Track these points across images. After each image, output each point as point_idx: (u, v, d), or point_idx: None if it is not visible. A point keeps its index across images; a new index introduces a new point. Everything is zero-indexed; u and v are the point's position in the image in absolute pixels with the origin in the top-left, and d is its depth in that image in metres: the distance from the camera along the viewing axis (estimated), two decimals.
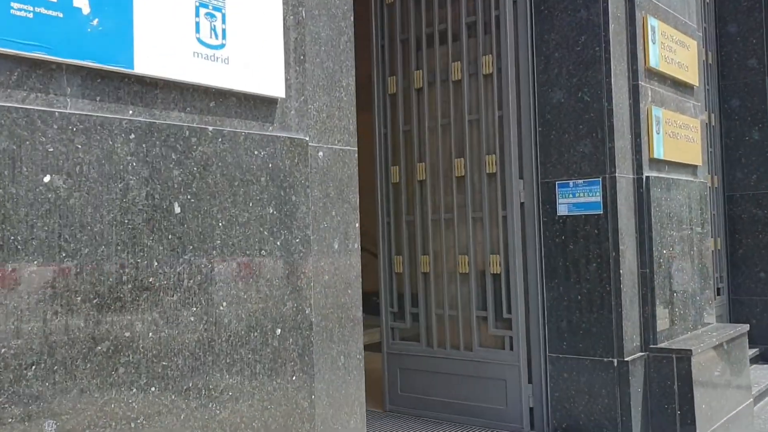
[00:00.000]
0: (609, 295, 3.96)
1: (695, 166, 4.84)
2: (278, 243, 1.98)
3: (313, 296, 2.14)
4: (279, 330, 1.96)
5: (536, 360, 4.20)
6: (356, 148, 2.37)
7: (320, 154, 2.24)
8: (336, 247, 2.26)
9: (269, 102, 2.02)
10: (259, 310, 1.91)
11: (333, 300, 2.23)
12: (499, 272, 4.29)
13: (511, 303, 4.22)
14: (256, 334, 1.90)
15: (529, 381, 4.20)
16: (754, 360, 6.13)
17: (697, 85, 4.86)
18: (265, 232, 1.95)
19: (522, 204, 4.24)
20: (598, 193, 4.00)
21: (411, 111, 4.69)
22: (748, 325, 4.89)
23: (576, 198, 4.06)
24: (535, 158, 4.22)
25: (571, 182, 4.09)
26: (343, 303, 2.27)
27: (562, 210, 4.11)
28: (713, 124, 6.54)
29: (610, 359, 3.94)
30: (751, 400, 4.73)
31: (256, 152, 1.94)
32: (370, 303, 5.32)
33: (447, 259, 4.52)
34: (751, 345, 5.96)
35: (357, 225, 2.35)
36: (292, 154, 2.04)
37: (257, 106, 1.99)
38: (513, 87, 4.24)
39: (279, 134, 2.03)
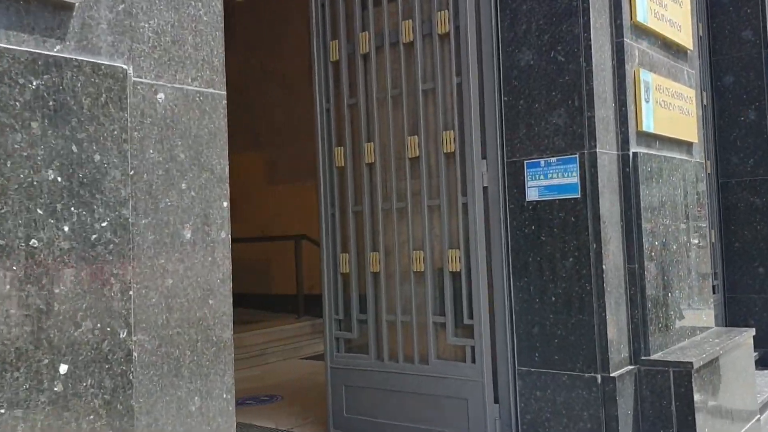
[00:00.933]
0: (590, 295, 3.26)
1: (690, 144, 4.16)
2: (65, 228, 1.26)
3: (144, 311, 1.42)
4: (65, 366, 1.24)
5: (503, 375, 3.49)
6: (224, 92, 1.65)
7: (160, 96, 1.51)
8: (188, 236, 1.53)
9: (58, 6, 1.29)
10: (24, 335, 1.18)
11: (181, 315, 1.51)
12: (458, 270, 3.58)
13: (473, 307, 3.52)
14: (16, 374, 1.17)
15: (495, 401, 3.49)
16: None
17: (691, 49, 4.18)
18: (39, 211, 1.22)
19: (485, 188, 3.53)
20: (574, 173, 3.29)
21: (357, 81, 3.96)
22: (753, 329, 4.21)
23: (548, 180, 3.36)
24: (499, 133, 3.51)
25: (542, 161, 3.38)
26: (200, 319, 1.55)
27: (532, 194, 3.41)
28: (705, 103, 5.87)
29: (593, 374, 3.25)
30: (759, 417, 4.05)
31: (23, 81, 1.21)
32: (318, 306, 4.60)
33: (400, 255, 3.80)
34: None
35: (226, 204, 1.63)
36: (96, 89, 1.31)
37: (35, 10, 1.26)
38: (473, 48, 3.54)
39: (72, 57, 1.30)
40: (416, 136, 3.72)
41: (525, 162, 3.44)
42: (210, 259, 1.56)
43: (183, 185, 1.53)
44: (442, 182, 3.64)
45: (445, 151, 3.62)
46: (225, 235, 1.59)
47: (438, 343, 3.69)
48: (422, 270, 3.69)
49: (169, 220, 1.49)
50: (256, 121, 9.70)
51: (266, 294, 9.32)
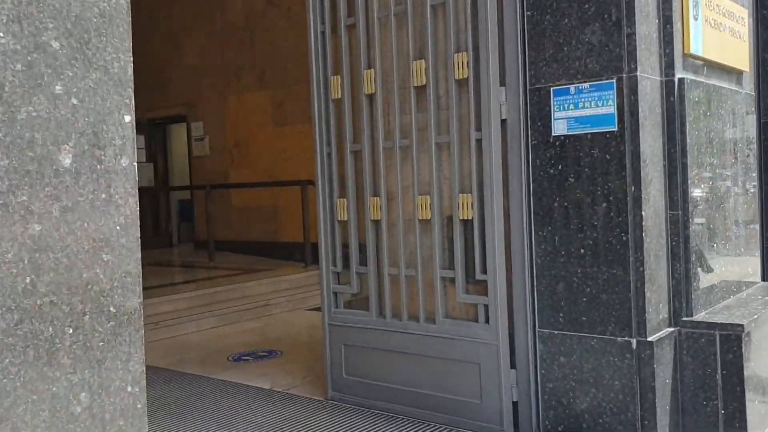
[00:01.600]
0: (625, 247, 2.77)
1: (741, 72, 3.59)
2: None
3: None
4: None
5: (521, 337, 3.04)
6: None
7: None
8: (65, 162, 1.06)
9: None
10: None
11: (56, 277, 1.05)
12: (470, 218, 3.10)
13: (486, 260, 3.04)
14: None
15: (512, 366, 3.05)
16: None
17: None
18: None
19: (503, 121, 3.02)
20: (611, 102, 2.77)
21: None
22: None
23: (580, 110, 2.84)
24: (521, 55, 2.98)
25: (572, 87, 2.85)
26: (88, 282, 1.10)
27: (560, 128, 2.89)
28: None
29: (626, 338, 2.78)
30: None
31: None
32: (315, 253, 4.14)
33: (403, 201, 3.32)
34: None
35: (128, 120, 1.15)
36: None
37: None
38: None
39: None
40: (423, 61, 3.19)
41: (551, 89, 2.90)
42: (103, 196, 1.10)
43: (57, 88, 1.05)
44: (452, 115, 3.12)
45: (456, 77, 3.09)
46: (128, 162, 1.12)
47: (447, 301, 3.24)
48: (429, 217, 3.21)
49: (35, 139, 1.02)
50: (260, 58, 9.15)
51: (274, 242, 8.93)
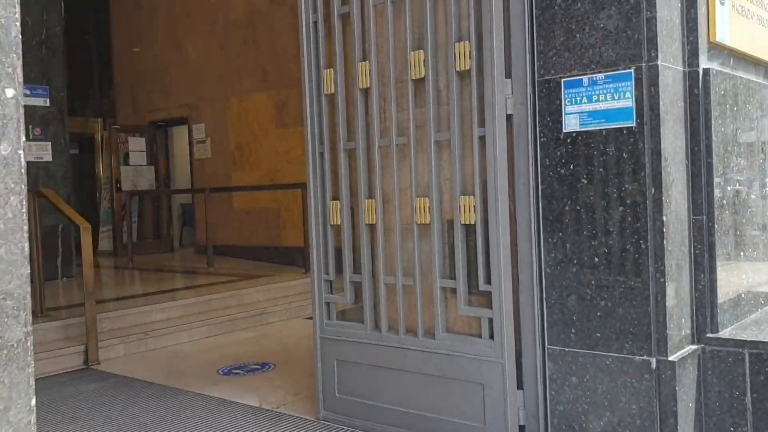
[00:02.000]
0: (645, 255, 2.49)
1: None
2: None
3: None
4: None
5: (529, 355, 2.76)
6: None
7: None
8: None
9: None
10: None
11: None
12: (473, 222, 2.82)
13: (491, 269, 2.76)
14: None
15: (519, 386, 2.77)
16: None
17: None
18: None
19: (509, 117, 2.74)
20: (628, 94, 2.49)
21: None
22: None
23: (593, 103, 2.56)
24: (529, 43, 2.70)
25: (585, 78, 2.58)
26: None
27: (571, 123, 2.62)
28: None
29: (645, 357, 2.50)
30: None
31: None
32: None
33: (401, 203, 3.05)
34: None
35: (11, 93, 0.88)
36: None
37: None
38: None
39: None
40: (422, 51, 2.92)
41: (562, 80, 2.63)
42: None
43: None
44: (453, 110, 2.85)
45: (458, 68, 2.82)
46: (10, 150, 0.86)
47: (447, 313, 2.96)
48: (428, 222, 2.94)
49: None
50: (262, 58, 8.91)
51: (276, 246, 8.67)
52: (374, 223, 3.13)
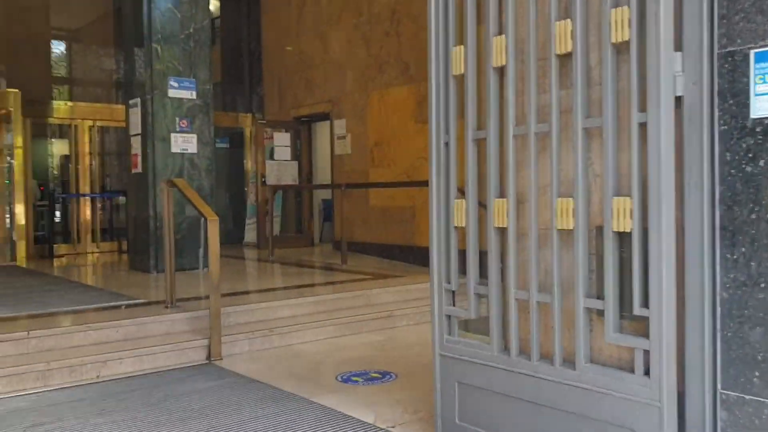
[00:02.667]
0: None
1: None
2: None
3: None
4: None
5: (695, 400, 2.18)
6: None
7: None
8: None
9: None
10: None
11: None
12: (629, 230, 2.28)
13: (649, 289, 2.22)
14: None
15: None
16: None
17: None
18: None
19: (678, 99, 2.18)
20: None
21: None
22: None
23: None
24: (708, 5, 2.13)
25: None
26: None
27: (763, 107, 2.02)
28: None
29: None
30: None
31: None
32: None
33: (538, 204, 2.57)
34: None
35: None
36: None
37: None
38: None
39: None
40: (569, 21, 2.43)
41: (752, 52, 2.04)
42: None
43: None
44: (607, 92, 2.33)
45: (614, 41, 2.30)
46: None
47: (592, 340, 2.44)
48: (571, 227, 2.44)
49: None
50: (405, 51, 8.61)
51: (410, 246, 8.36)
52: (505, 226, 2.67)
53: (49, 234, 10.36)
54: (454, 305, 2.94)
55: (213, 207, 8.01)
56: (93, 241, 10.73)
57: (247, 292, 6.10)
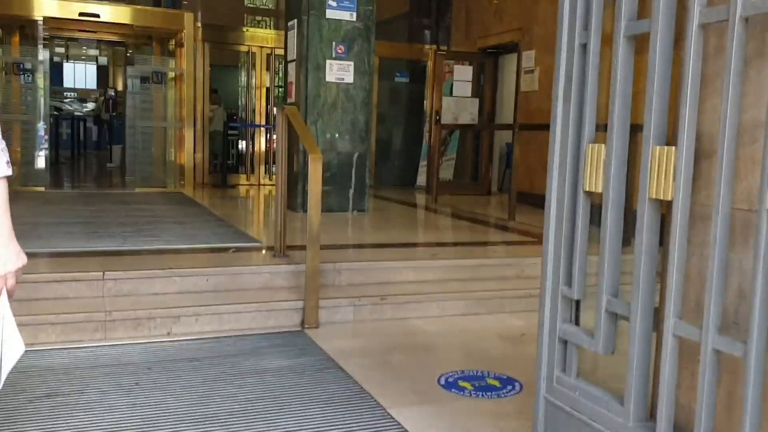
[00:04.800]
0: None
1: None
2: None
3: None
4: None
5: None
6: None
7: None
8: None
9: None
10: None
11: None
12: None
13: None
14: None
15: None
16: None
17: None
18: None
19: None
20: None
21: None
22: None
23: None
24: None
25: None
26: None
27: None
28: None
29: None
30: None
31: None
32: None
33: (738, 162, 1.30)
34: None
35: None
36: None
37: None
38: None
39: None
40: None
41: None
42: None
43: None
44: None
45: None
46: None
47: None
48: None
49: None
50: None
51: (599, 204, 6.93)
52: (669, 199, 1.43)
53: (223, 163, 10.26)
54: (576, 323, 1.76)
55: (369, 142, 7.23)
56: (266, 173, 10.49)
57: (371, 246, 5.20)
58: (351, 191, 7.03)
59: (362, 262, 4.46)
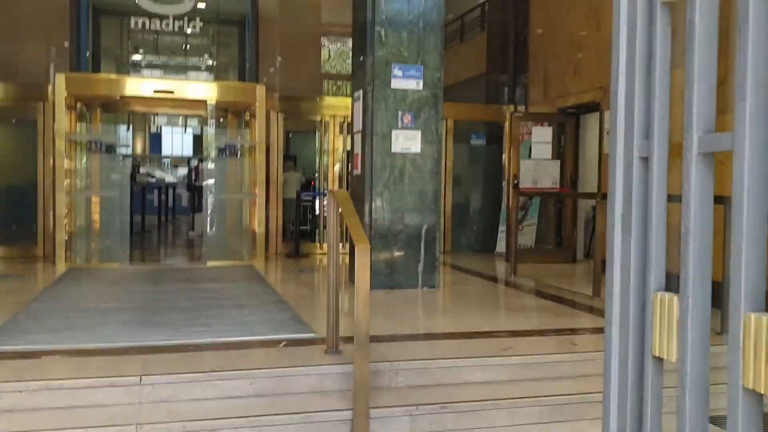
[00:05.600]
0: None
1: None
2: None
3: None
4: None
5: None
6: None
7: None
8: None
9: None
10: None
11: None
12: None
13: None
14: None
15: None
16: None
17: None
18: None
19: None
20: None
21: None
22: None
23: None
24: None
25: None
26: None
27: None
28: None
29: None
30: None
31: None
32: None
33: None
34: None
35: None
36: None
37: None
38: None
39: None
40: None
41: None
42: None
43: None
44: None
45: None
46: None
47: None
48: None
49: None
50: None
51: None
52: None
53: (296, 232, 10.10)
54: None
55: (438, 213, 6.84)
56: (340, 240, 10.23)
57: (434, 336, 4.75)
58: (420, 266, 6.64)
59: (422, 360, 4.02)
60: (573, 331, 4.92)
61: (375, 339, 4.34)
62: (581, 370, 4.11)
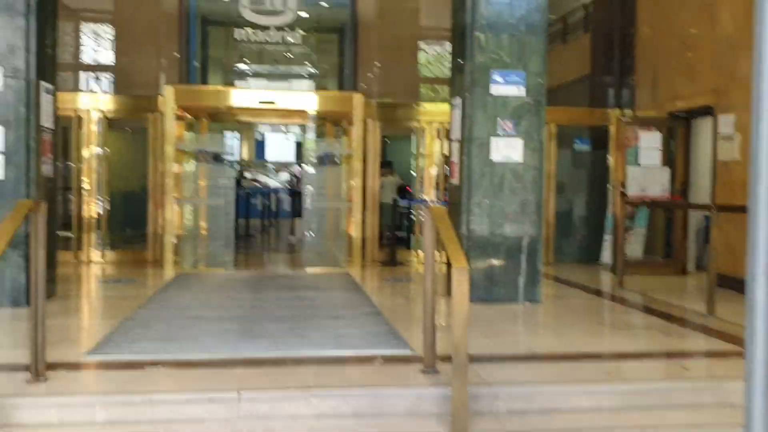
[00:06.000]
0: None
1: None
2: None
3: None
4: None
5: None
6: None
7: None
8: None
9: None
10: None
11: None
12: None
13: None
14: None
15: None
16: None
17: None
18: None
19: None
20: None
21: None
22: None
23: None
24: None
25: None
26: None
27: None
28: None
29: None
30: None
31: None
32: None
33: None
34: None
35: None
36: None
37: None
38: None
39: None
40: None
41: None
42: None
43: None
44: None
45: None
46: None
47: None
48: None
49: None
50: None
51: None
52: None
53: (392, 238, 10.07)
54: None
55: (541, 224, 6.60)
56: (438, 250, 10.12)
57: (537, 358, 4.55)
58: (521, 279, 6.43)
59: (523, 385, 3.86)
60: (686, 354, 4.61)
61: (473, 359, 4.21)
62: (695, 399, 3.84)
